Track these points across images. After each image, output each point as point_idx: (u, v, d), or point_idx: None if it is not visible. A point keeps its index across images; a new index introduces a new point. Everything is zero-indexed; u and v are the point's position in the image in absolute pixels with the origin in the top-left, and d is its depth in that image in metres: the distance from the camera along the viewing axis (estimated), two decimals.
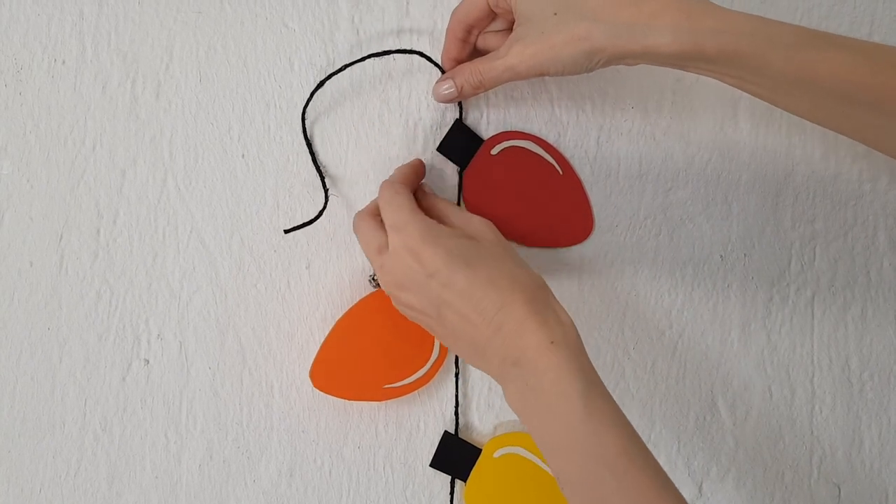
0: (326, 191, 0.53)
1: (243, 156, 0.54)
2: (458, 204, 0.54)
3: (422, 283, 0.45)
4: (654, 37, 0.44)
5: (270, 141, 0.54)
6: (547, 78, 0.55)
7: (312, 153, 0.53)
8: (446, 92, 0.51)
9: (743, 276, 0.56)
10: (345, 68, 0.53)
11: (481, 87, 0.50)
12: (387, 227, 0.47)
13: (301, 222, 0.53)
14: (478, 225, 0.48)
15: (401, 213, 0.47)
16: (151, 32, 0.54)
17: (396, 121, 0.54)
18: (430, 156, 0.54)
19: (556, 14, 0.46)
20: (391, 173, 0.52)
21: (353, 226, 0.50)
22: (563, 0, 0.45)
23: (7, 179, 0.53)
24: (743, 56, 0.43)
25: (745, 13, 0.44)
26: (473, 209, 0.54)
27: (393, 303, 0.48)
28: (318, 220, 0.53)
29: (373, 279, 0.53)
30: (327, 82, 0.53)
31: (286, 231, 0.52)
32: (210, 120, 0.54)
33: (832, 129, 0.46)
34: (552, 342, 0.42)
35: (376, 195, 0.54)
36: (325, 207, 0.53)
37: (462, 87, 0.51)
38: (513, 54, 0.47)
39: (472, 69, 0.50)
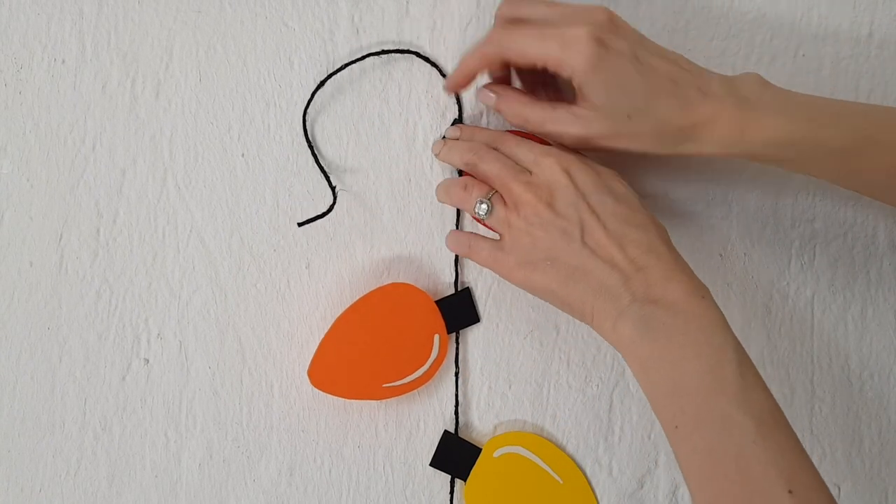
0: (333, 188, 0.53)
1: (243, 155, 0.54)
2: None
3: (572, 200, 0.46)
4: (705, 147, 0.47)
5: (270, 140, 0.54)
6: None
7: (315, 155, 0.53)
8: (487, 101, 0.51)
9: (743, 275, 0.56)
10: (344, 67, 0.53)
11: (524, 128, 0.50)
12: (534, 154, 0.48)
13: (313, 216, 0.52)
14: (608, 169, 0.49)
15: (544, 145, 0.48)
16: (151, 32, 0.54)
17: (396, 120, 0.54)
18: (430, 155, 0.54)
19: (629, 117, 0.47)
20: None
21: (476, 157, 0.49)
22: (637, 104, 0.46)
23: (7, 179, 0.53)
24: (789, 161, 0.48)
25: (798, 104, 0.46)
26: None
27: (517, 219, 0.47)
28: (319, 220, 0.53)
29: (486, 202, 0.48)
30: (327, 81, 0.53)
31: (300, 224, 0.52)
32: (210, 119, 0.54)
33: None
34: (703, 297, 0.44)
35: (377, 193, 0.54)
36: (334, 202, 0.52)
37: (502, 113, 0.50)
38: (571, 136, 0.48)
39: (529, 114, 0.48)
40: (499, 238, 0.49)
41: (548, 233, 0.46)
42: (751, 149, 0.46)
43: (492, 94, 0.50)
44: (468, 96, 0.54)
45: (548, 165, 0.47)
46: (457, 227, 0.54)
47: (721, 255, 0.56)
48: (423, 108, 0.55)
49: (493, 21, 0.51)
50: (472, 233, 0.51)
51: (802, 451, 0.41)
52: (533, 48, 0.47)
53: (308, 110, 0.54)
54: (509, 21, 0.49)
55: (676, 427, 0.42)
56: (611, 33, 0.46)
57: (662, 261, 0.44)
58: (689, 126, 0.46)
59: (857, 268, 0.57)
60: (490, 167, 0.49)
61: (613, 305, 0.44)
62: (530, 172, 0.48)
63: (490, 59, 0.49)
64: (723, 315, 0.44)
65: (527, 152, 0.48)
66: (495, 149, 0.50)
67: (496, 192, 0.49)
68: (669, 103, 0.46)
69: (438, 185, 0.53)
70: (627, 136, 0.47)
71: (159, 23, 0.54)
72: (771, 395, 0.42)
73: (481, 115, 0.55)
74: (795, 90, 0.49)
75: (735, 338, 0.43)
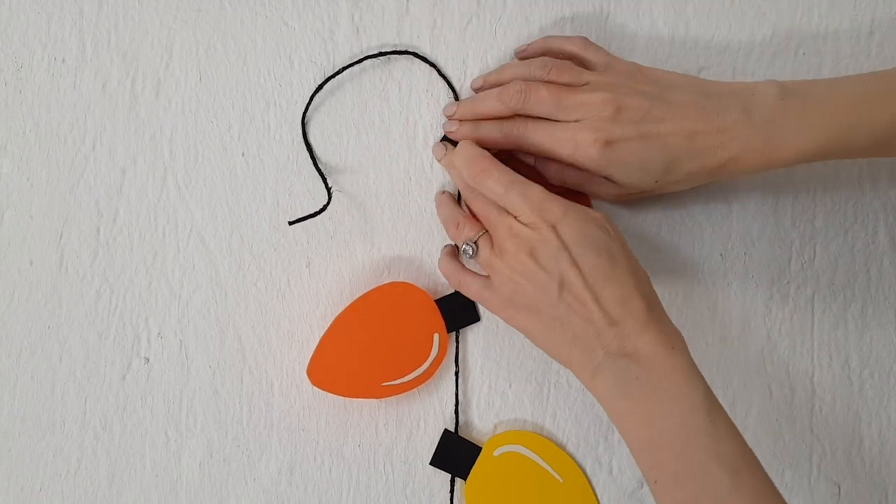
0: (329, 188, 0.53)
1: (243, 154, 0.54)
2: (459, 200, 0.54)
3: (553, 253, 0.46)
4: (737, 175, 0.49)
5: (270, 139, 0.54)
6: None
7: (313, 157, 0.53)
8: (525, 162, 0.53)
9: (743, 275, 0.56)
10: (342, 71, 0.53)
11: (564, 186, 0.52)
12: (521, 203, 0.47)
13: (310, 223, 0.52)
14: (600, 215, 0.48)
15: (531, 189, 0.47)
16: (151, 31, 0.54)
17: (396, 119, 0.54)
18: (430, 154, 0.54)
19: (656, 182, 0.49)
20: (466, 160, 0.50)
21: (467, 197, 0.50)
22: (658, 173, 0.48)
23: (7, 178, 0.53)
24: (823, 160, 0.49)
25: (821, 112, 0.47)
26: None
27: (501, 264, 0.47)
28: (319, 218, 0.53)
29: (471, 246, 0.49)
30: (325, 84, 0.53)
31: (290, 223, 0.52)
32: (210, 118, 0.54)
33: None
34: (673, 347, 0.45)
35: (377, 192, 0.54)
36: (328, 202, 0.52)
37: (540, 173, 0.52)
38: (607, 196, 0.52)
39: (567, 178, 0.51)
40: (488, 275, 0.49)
41: (529, 282, 0.46)
42: (782, 166, 0.48)
43: (529, 156, 0.53)
44: (467, 94, 0.54)
45: (532, 217, 0.47)
46: None
47: (721, 255, 0.56)
48: (423, 106, 0.55)
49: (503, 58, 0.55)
50: (462, 268, 0.51)
51: (777, 493, 0.42)
52: (546, 148, 0.49)
53: (307, 112, 0.54)
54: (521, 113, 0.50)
55: (656, 481, 0.43)
56: (616, 123, 0.48)
57: (636, 314, 0.45)
58: (716, 168, 0.48)
59: (857, 266, 0.57)
60: (478, 208, 0.50)
61: (589, 359, 0.45)
62: (513, 216, 0.48)
63: (507, 144, 0.51)
64: (692, 364, 0.45)
65: (516, 198, 0.47)
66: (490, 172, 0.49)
67: (486, 232, 0.49)
68: (690, 158, 0.48)
69: (437, 204, 0.53)
70: (660, 190, 0.51)
71: (159, 22, 0.54)
72: (741, 440, 0.43)
73: None
74: None
75: (704, 385, 0.44)
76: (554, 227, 0.46)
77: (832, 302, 0.56)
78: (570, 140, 0.48)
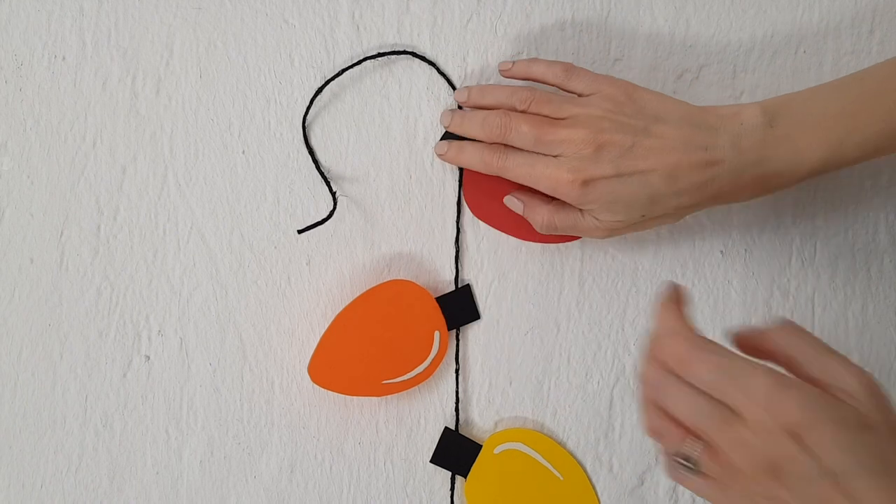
0: (334, 193, 0.53)
1: (243, 152, 0.54)
2: (458, 201, 0.54)
3: (808, 477, 0.34)
4: (733, 203, 0.49)
5: (271, 137, 0.54)
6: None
7: (315, 160, 0.53)
8: (514, 208, 0.52)
9: (744, 272, 0.56)
10: (342, 73, 0.53)
11: (553, 233, 0.51)
12: (740, 398, 0.35)
13: (312, 222, 0.52)
14: (857, 388, 0.36)
15: (754, 378, 0.35)
16: (151, 28, 0.54)
17: (396, 117, 0.54)
18: (430, 152, 0.54)
19: (643, 216, 0.48)
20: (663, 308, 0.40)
21: (657, 393, 0.38)
22: (643, 209, 0.48)
23: (7, 176, 0.53)
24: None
25: (809, 132, 0.46)
26: (474, 206, 0.54)
27: (735, 483, 0.36)
28: (320, 216, 0.53)
29: (690, 467, 0.37)
30: (325, 87, 0.53)
31: (299, 231, 0.52)
32: (210, 116, 0.54)
33: None
34: None
35: (378, 190, 0.54)
36: (334, 209, 0.53)
37: (528, 219, 0.51)
38: (598, 237, 0.50)
39: (558, 222, 0.50)
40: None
41: None
42: (775, 191, 0.48)
43: (518, 202, 0.52)
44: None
45: (762, 421, 0.35)
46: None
47: (722, 252, 0.56)
48: (423, 104, 0.54)
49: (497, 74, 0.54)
50: (680, 457, 0.38)
51: None
52: (527, 180, 0.49)
53: (307, 115, 0.54)
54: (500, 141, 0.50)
55: None
56: (595, 162, 0.47)
57: None
58: (707, 199, 0.48)
59: (857, 264, 0.57)
60: (680, 409, 0.37)
61: None
62: (737, 414, 0.35)
63: (488, 172, 0.51)
64: None
65: (736, 395, 0.35)
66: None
67: (700, 440, 0.37)
68: (676, 194, 0.47)
69: (642, 412, 0.40)
70: (650, 224, 0.49)
71: (159, 19, 0.54)
72: None
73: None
74: (797, 87, 0.49)
75: None
76: (798, 437, 0.34)
77: (832, 300, 0.56)
78: (549, 178, 0.48)
